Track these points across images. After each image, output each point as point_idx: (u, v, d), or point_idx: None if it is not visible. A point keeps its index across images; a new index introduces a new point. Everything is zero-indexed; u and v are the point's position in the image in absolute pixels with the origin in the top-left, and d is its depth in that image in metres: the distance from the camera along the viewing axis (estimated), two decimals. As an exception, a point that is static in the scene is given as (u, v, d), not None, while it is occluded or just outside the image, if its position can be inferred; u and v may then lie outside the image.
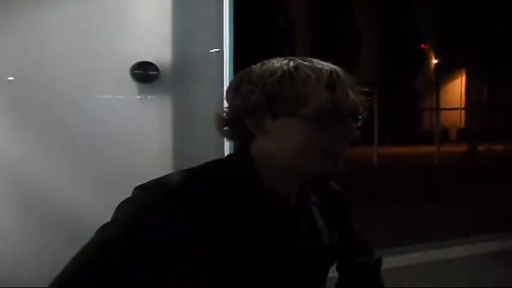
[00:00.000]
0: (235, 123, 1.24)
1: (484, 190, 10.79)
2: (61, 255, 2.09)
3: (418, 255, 3.87)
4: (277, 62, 1.20)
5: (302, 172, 1.22)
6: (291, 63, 1.18)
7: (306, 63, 1.18)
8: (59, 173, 2.28)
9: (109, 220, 1.14)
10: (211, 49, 2.42)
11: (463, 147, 24.23)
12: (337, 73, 1.17)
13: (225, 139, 1.35)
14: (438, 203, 9.45)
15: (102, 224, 1.14)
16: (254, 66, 1.24)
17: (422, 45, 30.50)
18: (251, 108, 1.18)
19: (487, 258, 4.03)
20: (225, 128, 1.27)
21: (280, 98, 1.15)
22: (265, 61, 1.23)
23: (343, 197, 1.48)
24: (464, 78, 36.53)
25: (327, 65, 1.19)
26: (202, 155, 2.27)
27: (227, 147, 2.28)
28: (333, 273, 1.51)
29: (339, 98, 1.15)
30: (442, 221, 7.64)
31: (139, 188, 1.16)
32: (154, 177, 1.19)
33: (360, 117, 1.20)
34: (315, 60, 1.20)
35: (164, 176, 1.19)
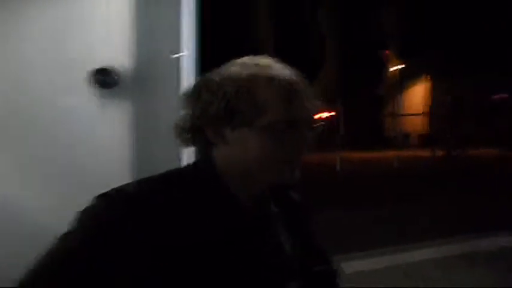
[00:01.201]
0: (196, 131, 1.24)
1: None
2: (21, 263, 2.08)
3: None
4: (235, 68, 1.20)
5: (262, 180, 1.23)
6: (250, 71, 1.18)
7: (264, 71, 1.18)
8: (16, 181, 2.25)
9: (67, 227, 1.13)
10: (172, 54, 2.42)
11: (424, 152, 24.64)
12: (296, 83, 1.18)
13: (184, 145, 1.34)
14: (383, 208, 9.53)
15: (62, 232, 1.12)
16: (213, 72, 1.23)
17: (385, 51, 30.88)
18: (211, 118, 1.18)
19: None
20: (185, 136, 1.26)
21: (238, 109, 1.16)
22: (225, 66, 1.23)
23: (303, 207, 1.50)
24: (426, 84, 37.11)
25: (284, 74, 1.19)
26: (163, 161, 2.29)
27: (187, 152, 2.28)
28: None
29: (295, 110, 1.16)
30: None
31: (101, 197, 1.15)
32: (114, 183, 1.18)
33: (315, 125, 1.22)
34: (274, 66, 1.21)
35: (126, 184, 1.18)
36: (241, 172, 1.20)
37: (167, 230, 1.11)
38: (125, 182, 1.21)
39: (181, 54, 2.42)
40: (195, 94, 1.23)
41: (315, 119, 1.21)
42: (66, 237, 1.11)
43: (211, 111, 1.18)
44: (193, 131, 1.24)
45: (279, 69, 1.21)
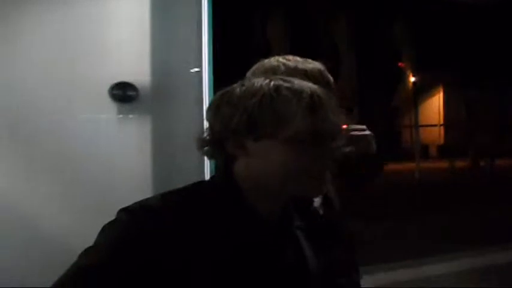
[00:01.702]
0: (216, 144, 1.22)
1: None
2: (42, 279, 2.09)
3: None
4: (257, 83, 1.19)
5: (285, 193, 1.21)
6: (272, 84, 1.17)
7: (286, 84, 1.17)
8: (40, 194, 2.27)
9: (91, 242, 1.13)
10: (190, 69, 2.43)
11: (443, 163, 24.40)
12: (318, 95, 1.17)
13: (205, 158, 1.34)
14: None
15: (84, 247, 1.12)
16: (234, 86, 1.22)
17: (399, 64, 30.79)
18: (232, 130, 1.17)
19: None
20: (206, 148, 1.26)
21: (260, 121, 1.14)
22: (245, 81, 1.22)
23: (329, 221, 1.48)
24: (442, 95, 36.94)
25: (308, 86, 1.18)
26: (182, 175, 2.30)
27: (207, 167, 2.29)
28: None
29: (319, 121, 1.14)
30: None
31: (124, 211, 1.14)
32: (134, 196, 1.18)
33: (340, 138, 1.21)
34: (296, 81, 1.20)
35: (148, 199, 1.18)
36: (264, 185, 1.19)
37: (189, 245, 1.10)
38: (145, 196, 1.20)
39: (196, 69, 2.43)
40: (215, 107, 1.22)
41: (340, 132, 1.20)
42: (89, 251, 1.11)
43: (233, 124, 1.16)
44: (214, 144, 1.23)
45: (302, 82, 1.20)
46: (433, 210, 10.78)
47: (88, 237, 1.14)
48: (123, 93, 2.32)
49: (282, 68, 1.68)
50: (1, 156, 2.23)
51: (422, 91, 33.11)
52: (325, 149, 1.17)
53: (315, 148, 1.15)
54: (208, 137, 1.23)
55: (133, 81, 2.35)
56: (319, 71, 1.71)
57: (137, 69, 2.37)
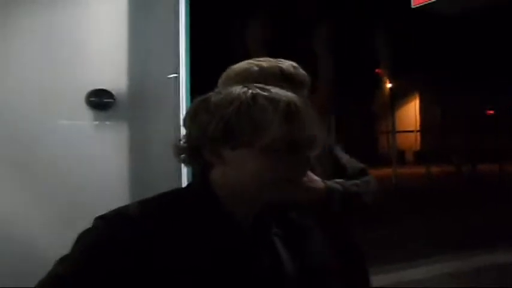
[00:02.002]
0: (193, 152, 1.22)
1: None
2: (14, 281, 2.07)
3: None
4: (234, 91, 1.19)
5: (260, 201, 1.22)
6: (249, 93, 1.17)
7: (264, 92, 1.18)
8: (14, 200, 2.24)
9: (67, 249, 1.13)
10: (168, 75, 2.43)
11: (419, 169, 24.59)
12: (295, 104, 1.17)
13: (182, 165, 1.34)
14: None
15: (59, 253, 1.12)
16: (211, 93, 1.22)
17: (377, 70, 31.04)
18: (208, 138, 1.17)
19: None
20: (183, 156, 1.26)
21: (237, 129, 1.14)
22: (221, 89, 1.23)
23: (305, 228, 1.49)
24: (418, 101, 37.31)
25: (285, 95, 1.18)
26: (159, 181, 2.29)
27: (184, 174, 2.28)
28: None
29: (295, 130, 1.15)
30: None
31: (100, 219, 1.14)
32: (111, 203, 1.18)
33: (315, 146, 1.20)
34: (273, 90, 1.20)
35: (125, 206, 1.18)
36: (240, 193, 1.19)
37: (165, 251, 1.10)
38: (121, 202, 1.20)
39: (173, 75, 2.43)
40: (193, 114, 1.22)
41: (316, 140, 1.20)
42: (65, 259, 1.11)
43: (209, 131, 1.16)
44: (191, 151, 1.23)
45: (279, 91, 1.21)
46: (410, 215, 10.86)
47: (63, 243, 1.14)
48: (99, 100, 2.31)
49: (255, 68, 1.68)
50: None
51: (398, 97, 33.43)
52: (301, 157, 1.17)
53: (291, 156, 1.16)
54: (185, 144, 1.23)
55: (110, 88, 2.34)
56: (294, 67, 1.71)
57: (114, 76, 2.36)
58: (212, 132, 1.15)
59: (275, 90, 1.20)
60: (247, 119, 1.14)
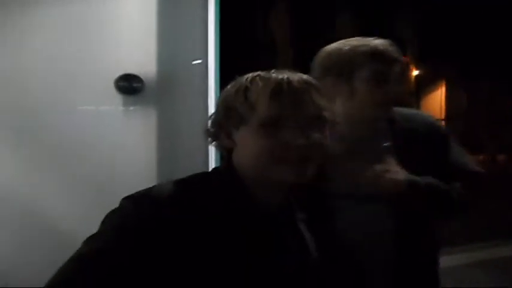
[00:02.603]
0: (215, 137, 1.28)
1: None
2: (45, 265, 2.10)
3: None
4: (245, 77, 1.24)
5: (269, 179, 1.22)
6: (252, 76, 1.22)
7: (265, 75, 1.22)
8: (44, 184, 2.28)
9: (95, 231, 1.14)
10: (196, 61, 2.43)
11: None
12: (289, 81, 1.19)
13: (210, 149, 1.38)
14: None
15: (87, 235, 1.14)
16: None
17: (403, 57, 30.71)
18: (218, 122, 1.24)
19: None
20: (210, 140, 1.30)
21: (235, 109, 1.20)
22: (240, 77, 1.26)
23: (328, 211, 1.49)
24: (444, 88, 36.92)
25: (284, 75, 1.21)
26: (187, 165, 2.31)
27: (212, 157, 2.29)
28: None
29: (283, 106, 1.17)
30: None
31: (127, 199, 1.17)
32: (139, 188, 1.19)
33: (310, 124, 1.19)
34: (280, 72, 1.22)
35: (152, 187, 1.20)
36: (253, 173, 1.21)
37: (190, 234, 1.12)
38: (150, 185, 1.22)
39: (198, 61, 2.43)
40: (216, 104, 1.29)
41: (311, 118, 1.20)
42: (93, 238, 1.13)
43: (219, 116, 1.24)
44: (213, 137, 1.27)
45: (281, 72, 1.23)
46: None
47: (92, 227, 1.15)
48: (128, 85, 2.33)
49: (346, 48, 1.68)
50: (7, 149, 2.23)
51: (424, 85, 33.11)
52: (291, 134, 1.17)
53: (281, 132, 1.16)
54: (211, 129, 1.27)
55: (139, 73, 2.35)
56: (385, 45, 1.70)
57: (143, 61, 2.37)
58: (219, 115, 1.24)
59: (280, 72, 1.23)
60: (243, 98, 1.19)
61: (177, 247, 1.10)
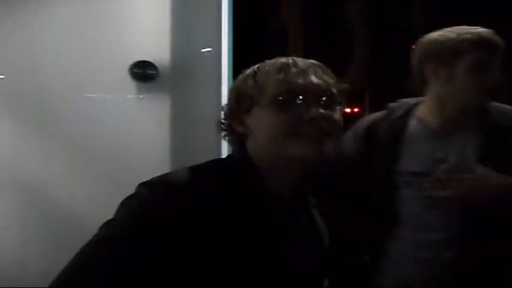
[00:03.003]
0: (228, 128, 1.28)
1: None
2: (59, 253, 2.11)
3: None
4: (252, 66, 1.26)
5: (284, 160, 1.20)
6: (260, 64, 1.24)
7: (273, 60, 1.23)
8: (57, 172, 2.30)
9: (110, 217, 1.16)
10: (210, 48, 2.43)
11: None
12: (294, 61, 1.20)
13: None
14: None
15: (103, 221, 1.15)
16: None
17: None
18: (230, 111, 1.25)
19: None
20: (223, 132, 1.30)
21: (245, 94, 1.21)
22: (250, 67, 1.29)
23: (340, 196, 1.50)
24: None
25: (293, 58, 1.22)
26: (200, 153, 2.31)
27: (225, 146, 2.29)
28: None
29: (291, 81, 1.17)
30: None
31: (143, 185, 1.16)
32: (153, 175, 1.20)
33: (316, 98, 1.18)
34: (290, 58, 1.23)
35: (167, 173, 1.20)
36: (268, 156, 1.21)
37: (204, 219, 1.12)
38: (163, 173, 1.23)
39: (208, 49, 2.44)
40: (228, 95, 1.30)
41: (325, 93, 1.19)
42: (109, 224, 1.14)
43: (230, 104, 1.24)
44: (226, 126, 1.28)
45: (298, 59, 1.23)
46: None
47: (106, 215, 1.16)
48: (143, 72, 2.34)
49: (451, 35, 1.73)
50: (18, 136, 2.25)
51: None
52: (302, 107, 1.18)
53: (291, 108, 1.17)
54: (223, 121, 1.28)
55: (153, 60, 2.36)
56: (490, 33, 1.72)
57: (157, 48, 2.38)
58: (231, 102, 1.24)
59: (284, 58, 1.24)
60: (253, 82, 1.20)
61: (191, 234, 1.10)
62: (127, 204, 1.16)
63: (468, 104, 1.73)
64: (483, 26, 1.81)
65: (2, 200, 2.25)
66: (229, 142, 1.31)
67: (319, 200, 1.39)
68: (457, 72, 1.70)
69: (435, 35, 1.78)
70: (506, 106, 1.81)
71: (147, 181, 1.17)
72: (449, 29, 1.77)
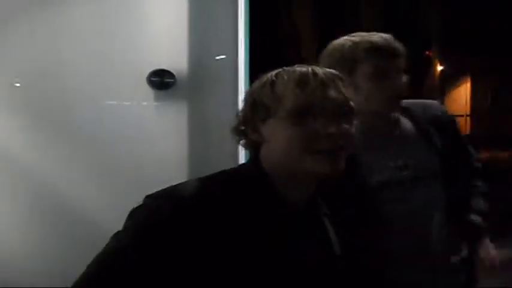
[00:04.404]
0: (242, 134, 1.28)
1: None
2: (75, 259, 2.13)
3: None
4: (270, 73, 1.25)
5: (299, 173, 1.21)
6: (277, 71, 1.23)
7: (290, 69, 1.23)
8: (75, 179, 2.32)
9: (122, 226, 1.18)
10: (226, 56, 2.45)
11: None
12: (314, 72, 1.19)
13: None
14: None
15: (117, 226, 1.16)
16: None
17: (427, 52, 30.37)
18: (245, 118, 1.25)
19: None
20: (238, 137, 1.31)
21: (261, 103, 1.20)
22: (265, 74, 1.28)
23: (350, 204, 1.50)
24: (469, 84, 36.38)
25: (308, 68, 1.22)
26: (218, 161, 2.32)
27: (242, 153, 2.30)
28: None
29: (311, 95, 1.17)
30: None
31: (149, 197, 1.19)
32: (170, 183, 1.21)
33: (335, 113, 1.18)
34: (309, 66, 1.23)
35: (175, 185, 1.21)
36: (282, 167, 1.21)
37: (213, 231, 1.12)
38: (181, 180, 1.24)
39: (222, 56, 2.45)
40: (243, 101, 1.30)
41: (343, 107, 1.19)
42: (118, 235, 1.16)
43: (245, 112, 1.25)
44: (241, 133, 1.28)
45: (305, 66, 1.24)
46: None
47: (121, 221, 1.18)
48: (160, 80, 2.35)
49: (349, 43, 1.74)
50: (37, 143, 2.27)
51: (449, 80, 32.67)
52: (320, 123, 1.17)
53: (311, 123, 1.17)
54: (240, 126, 1.28)
55: (171, 69, 2.38)
56: (385, 40, 1.74)
57: (174, 57, 2.40)
58: (245, 111, 1.24)
59: (303, 67, 1.23)
60: (269, 91, 1.20)
61: (199, 246, 1.11)
62: (133, 215, 1.17)
63: (377, 112, 1.75)
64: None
65: (18, 204, 2.26)
66: (244, 146, 1.32)
67: (330, 208, 1.39)
68: (359, 81, 1.70)
69: (335, 44, 1.78)
70: (418, 100, 1.96)
71: (153, 193, 1.19)
72: (347, 37, 1.78)
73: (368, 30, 1.81)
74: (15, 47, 2.27)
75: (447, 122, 1.93)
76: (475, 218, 1.94)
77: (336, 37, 1.81)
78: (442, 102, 26.57)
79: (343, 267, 1.37)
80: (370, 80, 1.69)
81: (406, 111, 1.86)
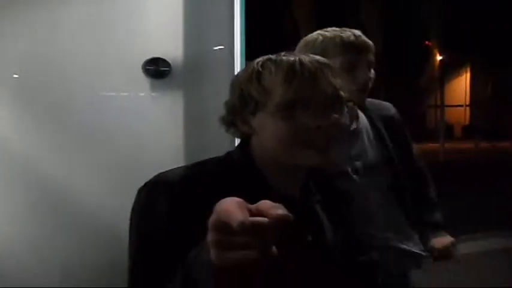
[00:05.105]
0: (231, 124, 1.29)
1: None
2: (75, 249, 2.14)
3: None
4: (255, 61, 1.24)
5: (290, 164, 1.22)
6: (263, 60, 1.22)
7: (276, 57, 1.21)
8: (72, 170, 2.31)
9: (123, 215, 1.19)
10: (222, 45, 2.44)
11: (467, 144, 24.00)
12: (302, 64, 1.18)
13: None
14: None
15: (116, 220, 1.18)
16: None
17: (427, 42, 30.31)
18: (234, 108, 1.25)
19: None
20: (226, 128, 1.31)
21: (250, 96, 1.20)
22: (251, 62, 1.27)
23: (343, 195, 1.50)
24: (469, 75, 36.32)
25: (295, 57, 1.20)
26: (214, 150, 2.29)
27: (238, 142, 2.30)
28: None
29: (299, 88, 1.16)
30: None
31: (143, 186, 1.22)
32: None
33: (325, 107, 1.18)
34: (290, 55, 1.22)
35: (165, 172, 1.23)
36: (272, 159, 1.21)
37: (202, 216, 1.12)
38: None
39: (221, 47, 2.43)
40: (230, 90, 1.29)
41: (333, 97, 1.19)
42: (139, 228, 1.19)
43: (231, 103, 1.25)
44: (230, 122, 1.27)
45: (291, 54, 1.23)
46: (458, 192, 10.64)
47: (119, 210, 1.18)
48: (156, 69, 2.34)
49: (320, 38, 1.84)
50: (33, 134, 2.27)
51: (449, 70, 32.62)
52: (310, 116, 1.16)
53: (299, 115, 1.16)
54: (228, 116, 1.28)
55: (166, 57, 2.37)
56: (355, 36, 1.83)
57: (170, 45, 2.39)
58: (233, 103, 1.24)
59: (290, 55, 1.22)
60: (257, 83, 1.19)
61: (189, 231, 1.10)
62: (134, 201, 1.19)
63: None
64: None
65: (16, 196, 2.26)
66: (233, 135, 1.32)
67: (320, 194, 1.38)
68: None
69: (308, 38, 1.89)
70: (374, 100, 2.10)
71: (147, 181, 1.20)
72: (320, 31, 1.89)
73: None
74: (12, 38, 2.25)
75: (398, 124, 2.09)
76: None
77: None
78: (442, 93, 26.58)
79: (336, 255, 1.37)
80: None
81: (365, 109, 1.99)
